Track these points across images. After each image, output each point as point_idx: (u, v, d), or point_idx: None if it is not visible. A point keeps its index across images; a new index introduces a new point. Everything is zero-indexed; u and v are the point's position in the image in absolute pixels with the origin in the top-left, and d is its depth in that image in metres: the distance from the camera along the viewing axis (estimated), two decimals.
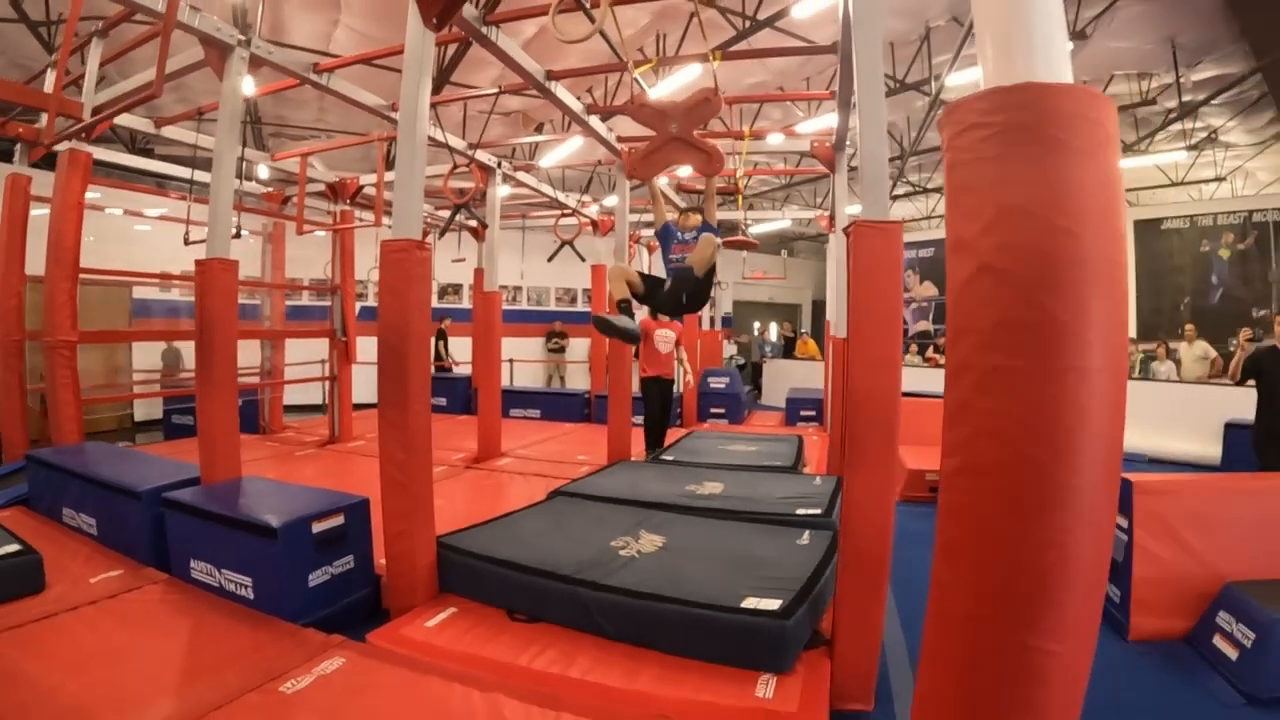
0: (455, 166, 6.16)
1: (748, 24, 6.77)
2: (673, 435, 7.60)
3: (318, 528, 3.35)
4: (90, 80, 4.85)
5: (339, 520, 3.45)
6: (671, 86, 6.97)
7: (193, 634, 3.17)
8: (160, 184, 8.99)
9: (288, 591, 3.26)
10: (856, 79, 2.70)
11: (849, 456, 2.60)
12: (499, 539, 3.62)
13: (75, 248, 5.74)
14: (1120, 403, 1.34)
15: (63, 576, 3.67)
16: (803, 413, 10.01)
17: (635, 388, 6.68)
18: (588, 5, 3.00)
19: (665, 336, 6.82)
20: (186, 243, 6.15)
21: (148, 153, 9.09)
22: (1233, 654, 3.09)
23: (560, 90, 5.03)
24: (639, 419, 6.96)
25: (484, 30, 4.05)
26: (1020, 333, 1.28)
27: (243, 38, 4.37)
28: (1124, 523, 3.62)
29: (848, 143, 6.07)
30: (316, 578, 3.34)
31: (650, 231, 11.56)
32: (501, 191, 7.52)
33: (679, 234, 4.52)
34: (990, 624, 1.33)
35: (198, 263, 4.24)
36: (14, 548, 3.53)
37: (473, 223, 6.46)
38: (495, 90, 5.55)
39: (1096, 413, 1.28)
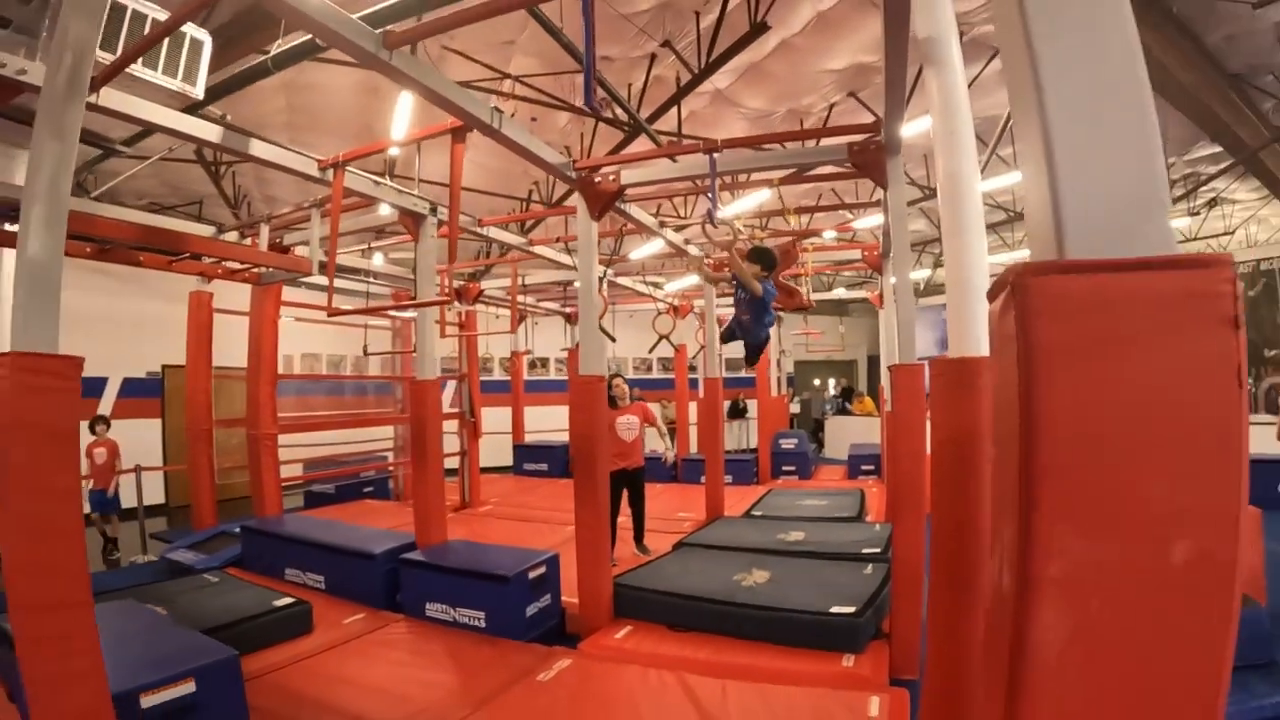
0: None
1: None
2: (753, 494, 8.75)
3: (531, 574, 4.70)
4: (315, 242, 6.08)
5: (543, 569, 4.81)
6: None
7: (448, 653, 4.27)
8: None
9: (515, 620, 4.53)
10: (894, 278, 4.12)
11: (895, 509, 3.98)
12: (654, 577, 4.98)
13: (273, 357, 7.37)
14: None
15: (320, 620, 4.64)
16: (863, 467, 10.86)
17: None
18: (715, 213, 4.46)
19: (628, 423, 6.21)
20: (365, 354, 7.87)
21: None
22: None
23: (668, 232, 6.64)
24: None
25: (625, 208, 5.52)
26: (951, 488, 2.54)
27: (432, 203, 5.74)
28: None
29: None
30: (531, 610, 4.65)
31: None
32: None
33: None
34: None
35: (414, 382, 5.70)
36: (290, 600, 4.60)
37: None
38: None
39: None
